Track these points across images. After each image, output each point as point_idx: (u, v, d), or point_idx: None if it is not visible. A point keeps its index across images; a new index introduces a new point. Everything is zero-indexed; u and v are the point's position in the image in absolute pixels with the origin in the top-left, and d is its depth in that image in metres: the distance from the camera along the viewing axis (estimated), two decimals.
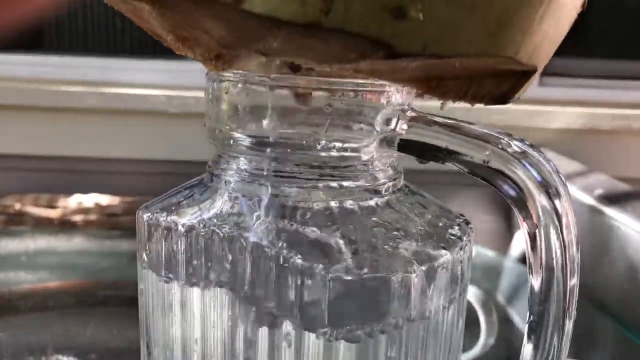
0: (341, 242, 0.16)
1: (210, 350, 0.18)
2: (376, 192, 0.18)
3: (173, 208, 0.18)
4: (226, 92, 0.17)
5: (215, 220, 0.17)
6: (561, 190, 0.16)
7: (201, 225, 0.17)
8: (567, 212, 0.16)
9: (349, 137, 0.17)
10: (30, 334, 0.42)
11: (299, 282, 0.16)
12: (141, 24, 0.17)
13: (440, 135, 0.16)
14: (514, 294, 0.53)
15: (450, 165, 0.16)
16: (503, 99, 0.15)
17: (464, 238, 0.18)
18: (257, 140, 0.17)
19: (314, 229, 0.17)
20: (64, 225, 0.66)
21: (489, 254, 0.61)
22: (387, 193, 0.18)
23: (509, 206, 0.16)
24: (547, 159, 0.16)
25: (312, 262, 0.16)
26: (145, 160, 0.82)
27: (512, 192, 0.16)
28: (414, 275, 0.16)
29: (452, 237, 0.18)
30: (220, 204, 0.18)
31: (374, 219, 0.17)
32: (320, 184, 0.17)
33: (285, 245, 0.16)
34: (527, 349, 0.18)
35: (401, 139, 0.17)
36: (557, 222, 0.15)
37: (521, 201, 0.15)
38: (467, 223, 0.19)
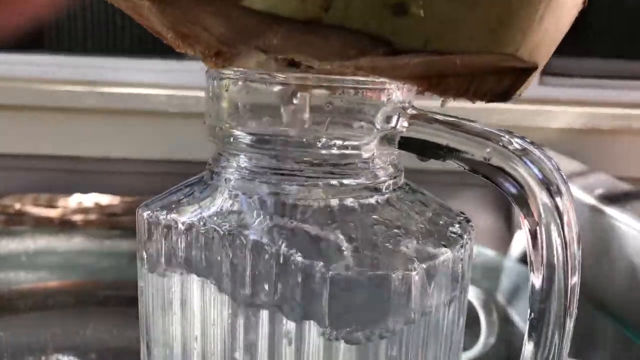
0: (341, 239, 0.16)
1: (210, 348, 0.18)
2: (377, 190, 0.18)
3: (173, 206, 0.18)
4: (226, 90, 0.17)
5: (215, 218, 0.17)
6: (562, 188, 0.16)
7: (201, 223, 0.17)
8: (568, 210, 0.16)
9: (350, 135, 0.17)
10: (30, 334, 0.42)
11: (299, 279, 0.16)
12: (141, 22, 0.17)
13: (441, 133, 0.16)
14: (514, 293, 0.53)
15: (450, 163, 0.16)
16: (504, 96, 0.15)
17: (465, 236, 0.18)
18: (257, 137, 0.17)
19: (314, 226, 0.17)
20: (64, 225, 0.66)
21: (489, 253, 0.61)
22: (387, 191, 0.18)
23: (509, 206, 0.16)
24: (548, 156, 0.16)
25: (313, 260, 0.16)
26: (145, 160, 0.82)
27: (513, 190, 0.15)
28: (414, 273, 0.16)
29: (452, 235, 0.18)
30: (221, 201, 0.18)
31: (375, 216, 0.17)
32: (321, 182, 0.17)
33: (285, 243, 0.16)
34: (527, 347, 0.18)
35: (402, 137, 0.17)
36: (558, 220, 0.15)
37: (522, 199, 0.15)
38: (468, 221, 0.19)
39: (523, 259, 0.65)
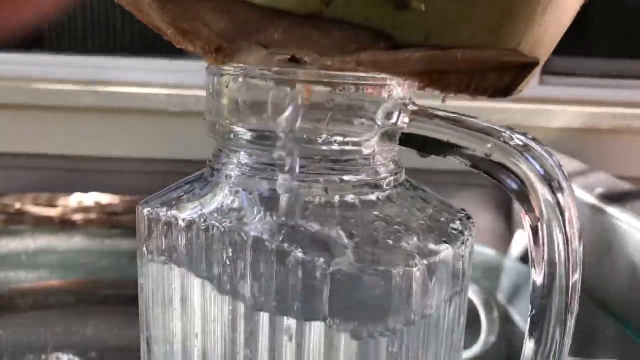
0: (342, 235, 0.16)
1: (210, 344, 0.18)
2: (377, 186, 0.18)
3: (173, 202, 0.18)
4: (226, 86, 0.17)
5: (215, 215, 0.17)
6: (564, 184, 0.16)
7: (201, 220, 0.17)
8: (569, 206, 0.16)
9: (350, 131, 0.17)
10: (30, 333, 0.42)
11: (299, 275, 0.16)
12: (141, 18, 0.17)
13: (442, 129, 0.16)
14: (515, 293, 0.53)
15: (450, 162, 0.16)
16: (505, 92, 0.15)
17: (466, 232, 0.18)
18: (257, 134, 0.17)
19: (315, 223, 0.17)
20: (64, 224, 0.66)
21: (490, 253, 0.61)
22: (388, 187, 0.18)
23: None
24: (550, 152, 0.16)
25: (313, 256, 0.16)
26: (145, 159, 0.82)
27: (514, 186, 0.15)
28: (415, 269, 0.16)
29: (453, 232, 0.18)
30: (221, 198, 0.18)
31: (375, 212, 0.17)
32: (321, 178, 0.17)
33: (286, 239, 0.16)
34: (528, 344, 0.17)
35: (402, 133, 0.17)
36: (559, 216, 0.15)
37: (523, 194, 0.15)
38: (469, 218, 0.19)
39: (523, 259, 0.65)
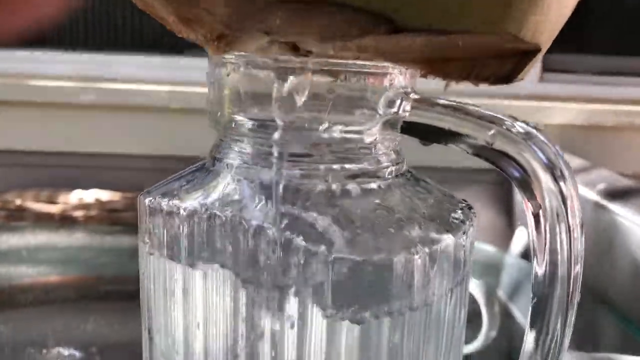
0: (344, 224, 0.16)
1: (212, 333, 0.18)
2: (379, 176, 0.18)
3: (175, 192, 0.18)
4: (228, 75, 0.17)
5: (217, 204, 0.17)
6: (566, 172, 0.16)
7: (203, 209, 0.17)
8: (572, 195, 0.16)
9: (352, 120, 0.17)
10: (31, 328, 0.42)
11: (301, 264, 0.16)
12: (144, 7, 0.17)
13: (444, 117, 0.16)
14: (515, 289, 0.53)
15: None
16: (507, 79, 0.15)
17: (467, 222, 0.18)
18: (259, 123, 0.17)
19: (317, 211, 0.16)
20: (65, 221, 0.66)
21: (490, 250, 0.61)
22: (389, 177, 0.18)
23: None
24: (552, 141, 0.16)
25: (315, 244, 0.16)
26: (146, 156, 0.82)
27: (516, 174, 0.15)
28: (416, 257, 0.16)
29: (455, 221, 0.18)
30: (223, 187, 0.18)
31: (377, 201, 0.17)
32: (323, 167, 0.17)
33: (287, 227, 0.16)
34: (530, 334, 0.17)
35: (404, 121, 0.17)
36: (562, 204, 0.15)
37: (525, 182, 0.15)
38: (470, 208, 0.19)
39: (524, 255, 0.65)
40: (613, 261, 0.52)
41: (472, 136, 0.16)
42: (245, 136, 0.18)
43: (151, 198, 0.19)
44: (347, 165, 0.17)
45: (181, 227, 0.18)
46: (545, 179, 0.15)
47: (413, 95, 0.17)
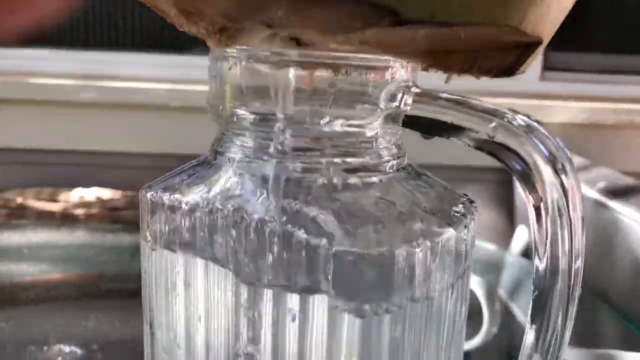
0: (345, 217, 0.16)
1: (214, 327, 0.18)
2: (380, 169, 0.18)
3: (176, 186, 0.18)
4: (230, 69, 0.17)
5: (219, 197, 0.17)
6: (567, 165, 0.16)
7: (205, 203, 0.17)
8: (573, 188, 0.16)
9: (353, 114, 0.17)
10: (32, 325, 0.42)
11: (303, 257, 0.16)
12: (145, 1, 0.17)
13: (445, 110, 0.16)
14: (516, 287, 0.53)
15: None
16: (509, 72, 0.15)
17: (468, 216, 0.18)
18: (260, 117, 0.17)
19: (318, 204, 0.17)
20: (66, 219, 0.66)
21: (491, 248, 0.61)
22: (391, 170, 0.18)
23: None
24: (553, 134, 0.16)
25: (316, 237, 0.16)
26: (146, 154, 0.82)
27: (517, 166, 0.15)
28: (418, 250, 0.16)
29: (456, 215, 0.18)
30: (224, 181, 0.18)
31: (378, 195, 0.17)
32: (324, 160, 0.17)
33: (289, 220, 0.16)
34: (531, 329, 0.17)
35: (406, 115, 0.17)
36: (563, 197, 0.15)
37: (527, 175, 0.15)
38: (471, 202, 0.19)
39: (524, 254, 0.65)
40: (613, 259, 0.52)
41: (474, 129, 0.16)
42: (247, 130, 0.18)
43: (153, 192, 0.19)
44: (348, 159, 0.17)
45: (183, 221, 0.18)
46: (546, 171, 0.15)
47: (414, 89, 0.17)
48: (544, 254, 0.16)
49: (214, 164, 0.18)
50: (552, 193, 0.15)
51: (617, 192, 0.56)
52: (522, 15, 0.14)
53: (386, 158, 0.18)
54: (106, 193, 0.69)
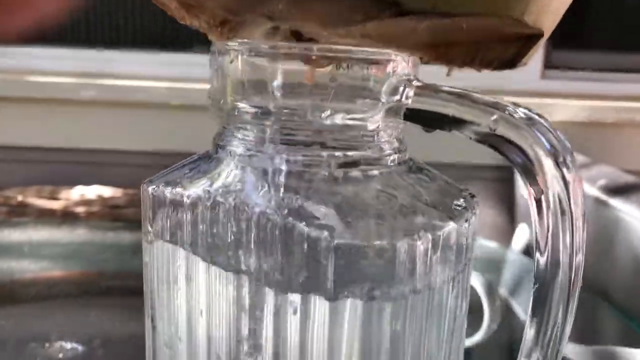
0: (346, 210, 0.16)
1: (215, 320, 0.18)
2: (381, 163, 0.18)
3: (178, 180, 0.18)
4: (231, 62, 0.17)
5: (220, 191, 0.17)
6: (569, 158, 0.16)
7: (206, 196, 0.17)
8: (574, 180, 0.16)
9: (355, 107, 0.17)
10: (33, 322, 0.42)
11: (304, 249, 0.16)
12: None
13: (447, 103, 0.16)
14: (516, 285, 0.53)
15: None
16: (511, 64, 0.15)
17: (470, 210, 0.18)
18: (262, 110, 0.17)
19: (319, 197, 0.17)
20: (67, 217, 0.66)
21: (492, 246, 0.61)
22: (392, 164, 0.18)
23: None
24: (554, 127, 0.16)
25: (317, 230, 0.16)
26: (147, 152, 0.82)
27: (519, 159, 0.15)
28: (419, 242, 0.16)
29: (457, 208, 0.18)
30: (226, 174, 0.18)
31: (379, 188, 0.17)
32: (325, 154, 0.17)
33: (290, 213, 0.16)
34: (531, 323, 0.17)
35: (407, 108, 0.17)
36: (564, 189, 0.15)
37: (528, 168, 0.15)
38: (473, 196, 0.19)
39: (525, 252, 0.65)
40: (614, 257, 0.52)
41: (475, 122, 0.16)
42: (248, 123, 0.18)
43: (154, 186, 0.19)
44: (349, 152, 0.17)
45: (184, 214, 0.18)
46: (547, 164, 0.15)
47: (416, 83, 0.17)
48: (545, 247, 0.16)
49: (215, 157, 0.19)
50: (553, 186, 0.15)
51: (618, 190, 0.56)
52: (524, 6, 0.14)
53: (387, 151, 0.18)
54: (107, 191, 0.69)
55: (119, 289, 0.49)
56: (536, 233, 0.16)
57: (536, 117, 0.16)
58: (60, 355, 0.37)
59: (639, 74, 0.91)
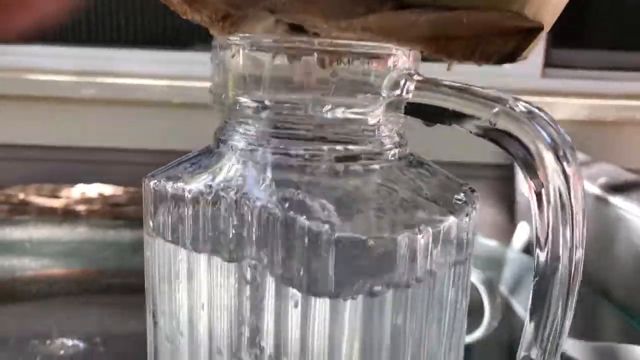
0: (347, 204, 0.16)
1: (216, 315, 0.18)
2: (382, 157, 0.18)
3: (180, 175, 0.18)
4: (233, 57, 0.17)
5: (222, 185, 0.17)
6: (569, 152, 0.16)
7: (208, 191, 0.17)
8: (575, 174, 0.16)
9: (355, 102, 0.17)
10: (35, 319, 0.43)
11: (305, 243, 0.16)
12: None
13: (447, 97, 0.16)
14: (517, 284, 0.53)
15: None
16: (511, 57, 0.15)
17: (470, 205, 0.18)
18: (263, 104, 0.17)
19: (320, 191, 0.17)
20: (68, 215, 0.66)
21: (492, 244, 0.61)
22: (393, 158, 0.18)
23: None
24: (554, 120, 0.16)
25: (318, 224, 0.16)
26: (148, 151, 0.82)
27: (519, 153, 0.15)
28: (420, 236, 0.16)
29: (458, 203, 0.18)
30: (227, 169, 0.18)
31: (380, 182, 0.17)
32: (326, 148, 0.17)
33: (291, 207, 0.16)
34: (531, 318, 0.17)
35: (408, 103, 0.17)
36: (565, 182, 0.15)
37: (528, 161, 0.15)
38: (473, 191, 0.19)
39: (525, 250, 0.65)
40: (614, 254, 0.52)
41: (476, 116, 0.16)
42: (250, 118, 0.18)
43: (156, 181, 0.19)
44: (350, 147, 0.17)
45: (186, 209, 0.18)
46: (548, 157, 0.15)
47: (416, 77, 0.17)
48: (545, 241, 0.16)
49: (216, 152, 0.19)
50: (553, 179, 0.15)
51: (618, 188, 0.56)
52: (525, 0, 0.14)
53: (388, 146, 0.18)
54: (108, 189, 0.69)
55: (119, 287, 0.49)
56: (536, 227, 0.16)
57: (537, 110, 0.16)
58: (62, 352, 0.37)
59: (639, 73, 0.91)
